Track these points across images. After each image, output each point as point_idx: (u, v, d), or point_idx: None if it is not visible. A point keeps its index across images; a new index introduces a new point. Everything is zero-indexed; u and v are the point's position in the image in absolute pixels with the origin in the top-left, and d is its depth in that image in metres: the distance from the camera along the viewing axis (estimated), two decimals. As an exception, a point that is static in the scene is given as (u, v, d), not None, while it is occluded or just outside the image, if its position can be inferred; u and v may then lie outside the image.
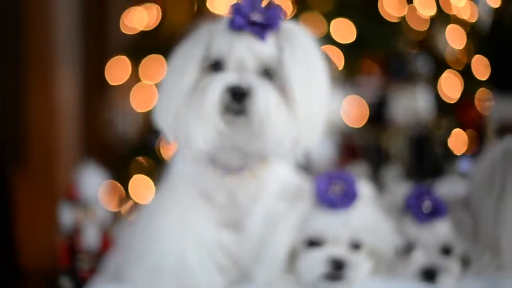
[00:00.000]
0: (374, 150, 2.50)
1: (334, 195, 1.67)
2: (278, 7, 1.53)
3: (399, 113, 2.62)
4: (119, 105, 3.71)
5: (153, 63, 3.04)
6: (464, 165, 2.51)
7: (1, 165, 3.64)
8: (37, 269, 3.53)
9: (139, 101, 3.17)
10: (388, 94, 2.66)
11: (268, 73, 1.50)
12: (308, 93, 1.49)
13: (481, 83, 2.83)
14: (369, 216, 1.69)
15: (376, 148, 2.52)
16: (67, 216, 1.99)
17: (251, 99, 1.44)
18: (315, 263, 1.63)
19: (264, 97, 1.44)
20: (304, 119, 1.48)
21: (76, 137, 4.02)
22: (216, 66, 1.51)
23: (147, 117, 3.08)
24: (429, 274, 1.67)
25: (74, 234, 2.01)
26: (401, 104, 2.63)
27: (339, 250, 1.64)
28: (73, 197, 2.01)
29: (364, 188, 1.74)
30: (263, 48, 1.49)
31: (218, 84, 1.45)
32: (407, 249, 1.71)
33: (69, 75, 3.97)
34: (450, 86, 2.80)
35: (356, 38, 2.63)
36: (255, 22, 1.50)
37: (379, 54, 2.78)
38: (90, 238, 1.99)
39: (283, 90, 1.48)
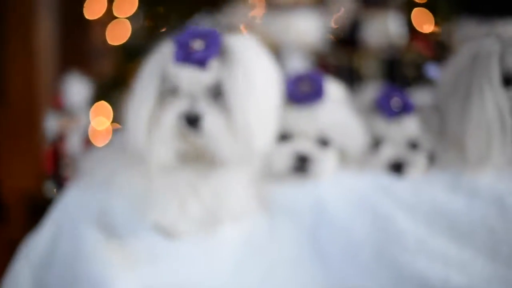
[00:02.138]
0: (346, 71, 2.58)
1: (302, 92, 1.75)
2: (215, 34, 1.63)
3: (372, 36, 2.71)
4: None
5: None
6: (432, 72, 2.60)
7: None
8: (18, 208, 3.58)
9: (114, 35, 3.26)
10: (361, 17, 2.75)
11: (217, 92, 1.62)
12: (248, 109, 1.61)
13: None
14: (338, 113, 1.78)
15: (349, 70, 2.61)
16: (52, 124, 2.05)
17: (201, 125, 1.59)
18: (282, 156, 1.73)
19: (211, 122, 1.59)
20: (246, 134, 1.61)
21: (55, 74, 4.06)
22: (171, 90, 1.64)
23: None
24: (397, 167, 1.76)
25: (59, 141, 2.07)
26: (373, 27, 2.71)
27: (305, 145, 1.74)
28: (58, 106, 2.08)
29: (334, 88, 1.83)
30: (205, 76, 1.61)
31: (171, 112, 1.61)
32: (376, 145, 1.80)
33: (47, 15, 4.00)
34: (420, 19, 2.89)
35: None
36: (195, 53, 1.61)
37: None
38: (74, 144, 2.06)
39: (228, 108, 1.61)
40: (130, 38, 3.30)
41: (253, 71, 1.63)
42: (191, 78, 1.62)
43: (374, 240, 1.66)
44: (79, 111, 2.08)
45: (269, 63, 1.68)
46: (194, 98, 1.62)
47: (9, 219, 3.64)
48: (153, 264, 1.65)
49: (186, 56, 1.62)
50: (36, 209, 3.20)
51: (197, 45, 1.62)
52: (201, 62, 1.61)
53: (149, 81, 1.66)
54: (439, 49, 2.83)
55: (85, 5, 3.34)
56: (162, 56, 1.67)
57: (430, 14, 2.97)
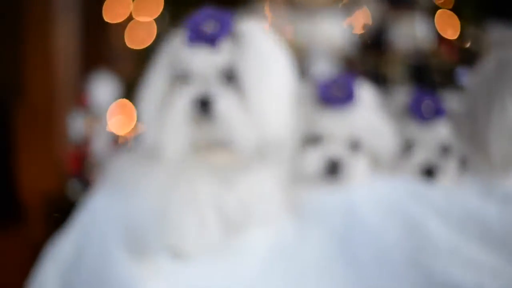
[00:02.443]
0: (373, 75, 2.57)
1: (333, 95, 1.74)
2: (227, 15, 1.62)
3: (399, 39, 2.69)
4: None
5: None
6: (462, 78, 2.59)
7: (2, 103, 3.69)
8: (36, 205, 3.58)
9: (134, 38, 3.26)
10: (388, 20, 2.73)
11: (231, 76, 1.60)
12: (262, 93, 1.60)
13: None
14: (369, 117, 1.76)
15: (376, 73, 2.59)
16: (77, 124, 2.05)
17: (214, 109, 1.57)
18: (313, 160, 1.71)
19: (224, 105, 1.57)
20: (260, 118, 1.59)
21: (75, 73, 4.07)
22: (183, 77, 1.62)
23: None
24: (428, 172, 1.75)
25: (84, 141, 2.07)
26: (400, 30, 2.69)
27: (336, 149, 1.72)
28: (83, 105, 2.07)
29: (365, 91, 1.81)
30: (218, 58, 1.60)
31: (184, 97, 1.59)
32: (407, 149, 1.78)
33: (67, 14, 4.01)
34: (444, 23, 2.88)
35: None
36: (207, 33, 1.60)
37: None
38: (99, 144, 2.05)
39: (242, 92, 1.59)
40: (155, 40, 3.31)
41: (266, 54, 1.63)
42: (203, 60, 1.60)
43: (405, 245, 1.64)
44: (105, 111, 2.07)
45: (280, 49, 1.66)
46: (206, 82, 1.60)
47: (27, 220, 3.64)
48: (179, 269, 1.64)
49: (197, 36, 1.60)
50: (56, 210, 3.20)
51: (209, 26, 1.60)
52: (212, 41, 1.59)
53: (160, 68, 1.64)
54: (466, 54, 2.82)
55: (105, 6, 3.35)
56: (174, 43, 1.66)
57: (456, 18, 2.95)
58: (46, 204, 3.35)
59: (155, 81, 1.64)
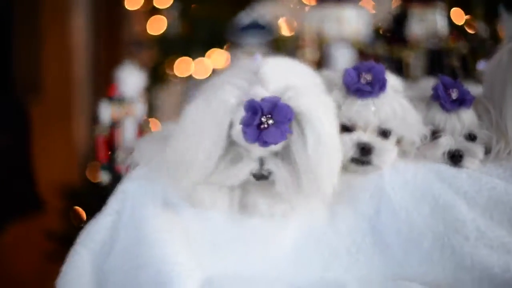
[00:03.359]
0: (393, 64, 2.61)
1: (363, 84, 1.76)
2: (286, 109, 1.57)
3: (417, 29, 2.73)
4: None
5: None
6: (482, 66, 2.63)
7: (21, 97, 3.73)
8: (53, 199, 3.63)
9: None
10: (406, 10, 2.78)
11: (285, 154, 1.63)
12: (318, 169, 1.61)
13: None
14: (397, 105, 1.79)
15: (396, 63, 2.64)
16: (106, 112, 2.08)
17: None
18: (345, 147, 1.73)
19: (281, 179, 1.62)
20: (313, 188, 1.64)
21: (89, 68, 4.12)
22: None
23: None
24: (455, 157, 1.78)
25: (113, 130, 2.11)
26: (419, 21, 2.74)
27: (367, 136, 1.76)
28: (112, 95, 2.11)
29: (393, 80, 1.84)
30: (276, 146, 1.61)
31: (243, 170, 1.62)
32: (434, 136, 1.82)
33: (83, 11, 4.05)
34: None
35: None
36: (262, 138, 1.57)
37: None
38: (128, 133, 2.09)
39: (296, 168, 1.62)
40: (166, 30, 3.36)
41: (324, 133, 1.61)
42: (260, 149, 1.61)
43: (435, 229, 1.68)
44: (133, 100, 2.11)
45: (333, 118, 1.68)
46: (262, 158, 1.63)
47: (46, 209, 3.68)
48: (214, 252, 1.67)
49: (257, 138, 1.56)
50: (73, 200, 3.24)
51: (267, 120, 1.56)
52: (272, 143, 1.58)
53: (216, 125, 1.62)
54: (480, 44, 2.86)
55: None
56: (226, 106, 1.62)
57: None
58: (65, 194, 3.39)
59: (210, 134, 1.62)
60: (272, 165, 1.62)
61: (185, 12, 3.40)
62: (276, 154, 1.63)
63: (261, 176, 1.63)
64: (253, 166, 1.62)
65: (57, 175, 3.66)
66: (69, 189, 3.43)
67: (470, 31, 2.96)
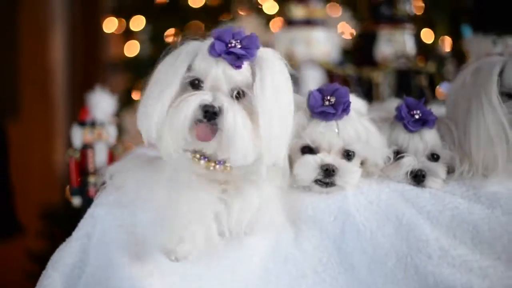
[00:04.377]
0: (361, 85, 2.64)
1: (326, 106, 1.79)
2: (255, 38, 1.68)
3: (385, 50, 2.77)
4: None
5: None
6: (445, 88, 2.67)
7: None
8: (33, 221, 3.62)
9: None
10: (374, 32, 2.82)
11: (240, 94, 1.67)
12: (271, 118, 1.65)
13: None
14: (361, 127, 1.82)
15: (364, 84, 2.67)
16: (78, 136, 2.10)
17: (221, 117, 1.61)
18: (308, 168, 1.77)
19: (232, 116, 1.62)
20: (266, 140, 1.65)
21: (67, 88, 4.13)
22: (194, 83, 1.68)
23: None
24: (418, 177, 1.81)
25: (84, 154, 2.13)
26: (386, 42, 2.78)
27: (331, 157, 1.78)
28: (84, 118, 2.13)
29: (357, 102, 1.88)
30: (237, 75, 1.66)
31: (193, 101, 1.63)
32: (398, 156, 1.85)
33: (60, 32, 4.07)
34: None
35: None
36: (232, 51, 1.65)
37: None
38: (100, 156, 2.11)
39: (251, 111, 1.65)
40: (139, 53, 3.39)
41: (280, 84, 1.68)
42: (222, 73, 1.65)
43: (398, 249, 1.70)
44: (105, 124, 2.13)
45: (288, 73, 1.72)
46: (216, 93, 1.65)
47: (24, 231, 3.68)
48: (181, 273, 1.69)
49: (223, 51, 1.64)
50: (55, 221, 3.25)
51: (235, 45, 1.65)
52: (236, 61, 1.64)
53: (174, 70, 1.68)
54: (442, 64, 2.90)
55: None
56: (190, 49, 1.70)
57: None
58: (44, 215, 3.40)
59: (167, 79, 1.68)
60: (226, 101, 1.63)
61: (156, 35, 3.45)
62: (230, 95, 1.66)
63: (212, 114, 1.62)
64: (206, 98, 1.64)
65: (37, 196, 3.67)
66: (48, 210, 3.45)
67: (437, 52, 3.01)
